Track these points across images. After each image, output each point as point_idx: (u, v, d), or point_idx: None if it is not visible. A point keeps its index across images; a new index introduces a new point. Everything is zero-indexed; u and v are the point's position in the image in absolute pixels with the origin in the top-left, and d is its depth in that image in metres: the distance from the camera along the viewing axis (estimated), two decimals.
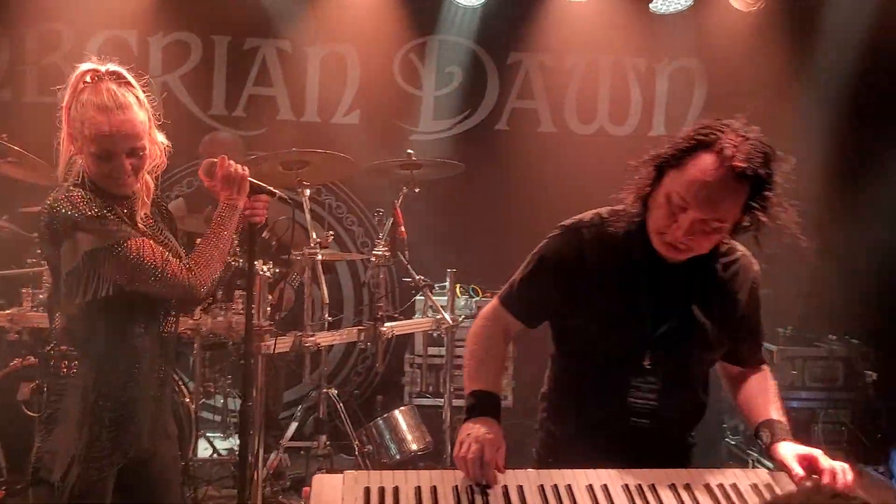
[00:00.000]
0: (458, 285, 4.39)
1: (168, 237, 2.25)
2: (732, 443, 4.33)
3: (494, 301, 2.07)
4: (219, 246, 2.21)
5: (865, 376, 4.07)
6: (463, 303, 4.56)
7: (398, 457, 3.89)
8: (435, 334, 4.06)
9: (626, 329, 1.91)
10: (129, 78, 2.10)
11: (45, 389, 2.12)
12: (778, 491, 1.78)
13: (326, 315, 3.71)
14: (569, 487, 1.76)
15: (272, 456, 3.86)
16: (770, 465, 2.10)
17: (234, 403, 4.41)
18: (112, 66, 2.07)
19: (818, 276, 4.82)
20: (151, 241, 2.11)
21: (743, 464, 4.09)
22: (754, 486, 1.80)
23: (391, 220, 3.63)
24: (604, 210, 1.96)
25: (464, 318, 4.06)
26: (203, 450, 4.28)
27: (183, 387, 3.56)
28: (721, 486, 1.79)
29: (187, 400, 3.47)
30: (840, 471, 1.77)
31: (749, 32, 5.05)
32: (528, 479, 1.79)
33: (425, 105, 5.27)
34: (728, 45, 5.10)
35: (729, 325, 1.96)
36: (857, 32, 4.73)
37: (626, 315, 1.91)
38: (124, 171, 2.05)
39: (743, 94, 5.06)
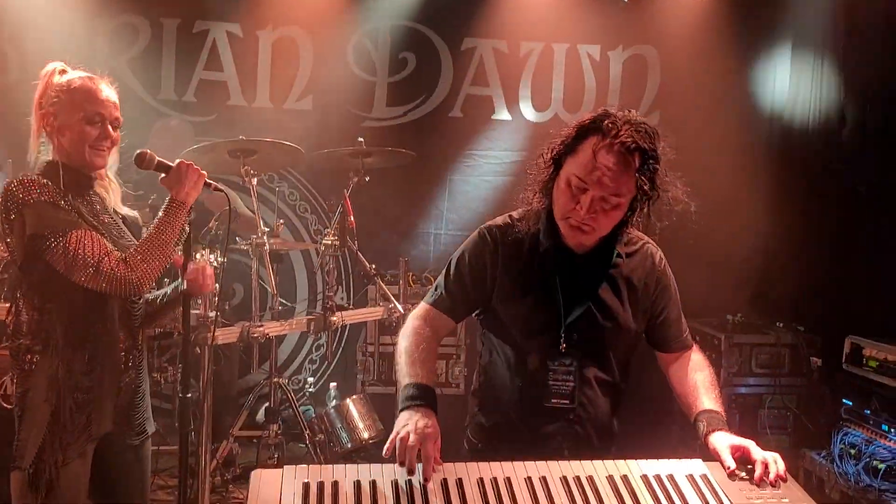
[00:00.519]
0: (410, 273, 4.38)
1: (125, 236, 2.29)
2: None
3: (421, 303, 2.19)
4: (162, 241, 2.21)
5: (811, 362, 4.15)
6: (414, 291, 4.54)
7: (350, 445, 3.88)
8: (387, 323, 4.05)
9: (542, 316, 2.06)
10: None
11: (15, 381, 2.19)
12: (713, 481, 1.80)
13: (277, 305, 3.68)
14: (507, 480, 1.77)
15: (222, 445, 3.83)
16: None
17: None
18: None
19: (768, 265, 4.92)
20: (96, 236, 2.13)
21: None
22: (690, 477, 1.82)
23: (340, 209, 3.58)
24: (514, 213, 2.14)
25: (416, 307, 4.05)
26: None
27: None
28: (658, 476, 1.81)
29: None
30: (772, 461, 1.81)
31: (703, 20, 5.09)
32: (467, 472, 1.79)
33: (379, 91, 5.22)
34: (682, 33, 5.13)
35: (638, 308, 2.11)
36: (809, 19, 4.79)
37: (540, 303, 2.06)
38: (109, 137, 2.20)
39: (696, 81, 5.11)
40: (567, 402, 2.06)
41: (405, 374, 1.96)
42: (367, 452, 4.03)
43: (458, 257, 2.15)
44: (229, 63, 5.04)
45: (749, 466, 1.83)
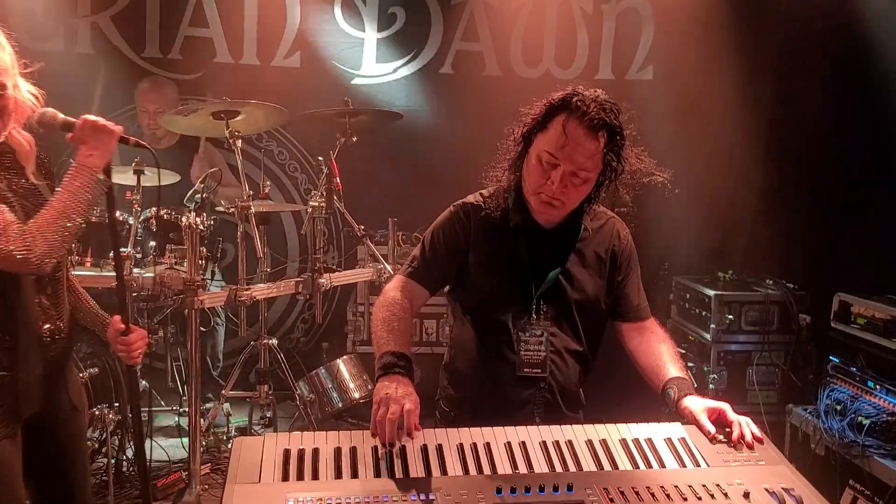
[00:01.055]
0: (400, 234, 4.36)
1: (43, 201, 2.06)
2: None
3: (399, 275, 2.22)
4: (62, 212, 1.96)
5: (799, 319, 4.16)
6: (405, 251, 4.52)
7: (340, 405, 3.92)
8: (377, 283, 4.04)
9: (512, 288, 2.12)
10: None
11: None
12: (691, 444, 1.82)
13: (266, 267, 3.68)
14: (487, 445, 1.78)
15: (214, 406, 3.86)
16: None
17: (181, 352, 4.37)
18: None
19: (760, 221, 4.90)
20: None
21: None
22: (668, 440, 1.83)
23: (326, 170, 3.55)
24: (484, 191, 2.20)
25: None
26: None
27: None
28: (636, 440, 1.83)
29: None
30: (745, 424, 1.84)
31: None
32: (447, 437, 1.80)
33: (367, 48, 5.13)
34: None
35: (604, 279, 2.18)
36: None
37: (511, 276, 2.12)
38: None
39: (690, 35, 5.03)
40: (538, 371, 2.12)
41: (382, 342, 1.98)
42: (357, 412, 4.07)
43: (431, 231, 2.21)
44: (215, 19, 4.94)
45: (726, 430, 1.85)
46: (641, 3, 5.21)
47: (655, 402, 2.11)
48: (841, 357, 3.55)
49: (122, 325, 2.18)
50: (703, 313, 4.30)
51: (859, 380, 3.39)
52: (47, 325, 2.10)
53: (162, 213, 3.29)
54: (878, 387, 3.28)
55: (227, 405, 3.96)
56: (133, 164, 3.35)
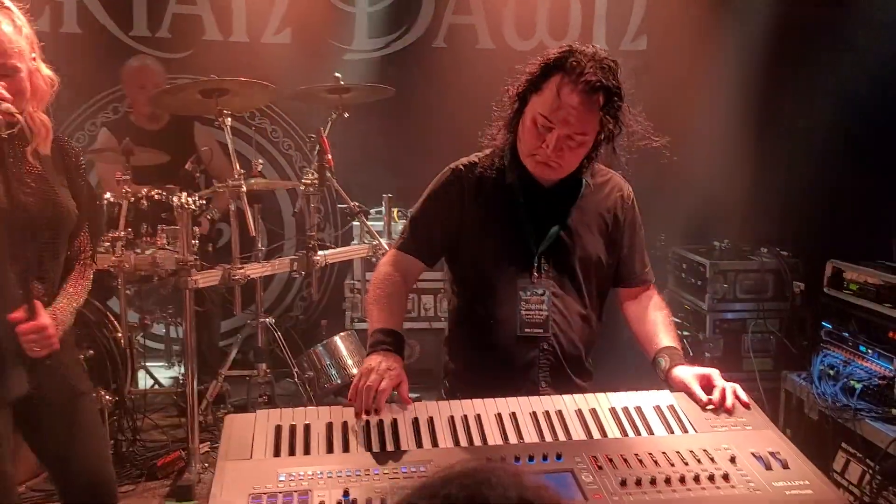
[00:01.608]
0: (396, 209, 4.36)
1: (51, 185, 2.07)
2: None
3: (392, 249, 2.18)
4: None
5: (794, 286, 4.17)
6: (401, 227, 4.52)
7: (339, 381, 3.93)
8: (373, 260, 4.05)
9: (512, 247, 2.07)
10: (7, 2, 1.99)
11: None
12: (679, 411, 1.83)
13: (260, 246, 3.68)
14: (478, 417, 1.79)
15: (212, 385, 3.89)
16: None
17: (177, 332, 4.40)
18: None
19: (756, 190, 4.90)
20: None
21: None
22: (657, 408, 1.85)
23: (318, 147, 3.54)
24: (480, 153, 2.14)
25: None
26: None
27: (115, 322, 3.52)
28: (626, 408, 1.84)
29: (119, 335, 3.43)
30: (730, 389, 1.85)
31: None
32: (438, 410, 1.81)
33: (359, 22, 5.09)
34: None
35: (607, 238, 2.13)
36: None
37: (510, 235, 2.07)
38: None
39: (683, 3, 4.98)
40: (540, 330, 2.06)
41: (374, 320, 1.98)
42: None
43: (424, 198, 2.15)
44: None
45: (711, 397, 1.86)
46: None
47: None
48: (834, 323, 3.56)
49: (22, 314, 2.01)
50: (699, 282, 4.32)
51: (852, 345, 3.41)
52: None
53: (153, 193, 3.28)
54: (870, 351, 3.30)
55: (225, 383, 3.98)
56: (122, 145, 3.34)
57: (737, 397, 1.84)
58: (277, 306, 5.28)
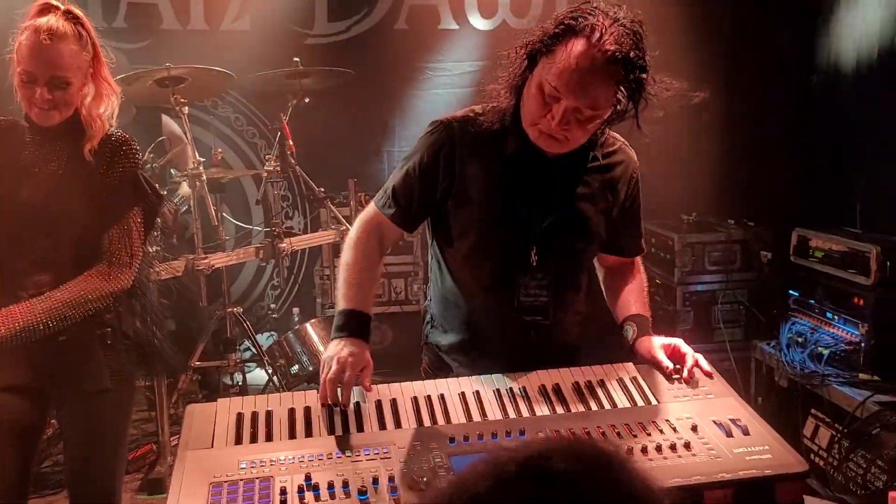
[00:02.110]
0: (363, 194, 4.33)
1: (43, 190, 2.06)
2: None
3: (370, 206, 1.97)
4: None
5: (761, 256, 4.21)
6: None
7: (311, 368, 3.92)
8: (341, 246, 4.01)
9: (510, 225, 1.86)
10: (80, 14, 2.06)
11: None
12: (642, 382, 1.83)
13: (223, 235, 3.64)
14: (441, 397, 1.78)
15: (181, 378, 3.84)
16: None
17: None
18: (68, 4, 2.05)
19: (723, 161, 4.91)
20: None
21: None
22: (620, 381, 1.85)
23: (279, 133, 3.49)
24: (477, 107, 1.88)
25: None
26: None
27: None
28: (589, 382, 1.84)
29: None
30: (691, 357, 1.84)
31: None
32: (401, 391, 1.80)
33: (319, 6, 5.03)
34: None
35: (611, 214, 1.94)
36: None
37: (508, 211, 1.85)
38: (43, 99, 2.00)
39: None
40: (540, 318, 1.91)
41: (341, 297, 1.88)
42: None
43: (408, 156, 1.92)
44: None
45: (678, 367, 1.86)
46: None
47: None
48: (801, 291, 3.60)
49: None
50: (668, 256, 4.34)
51: (819, 312, 3.45)
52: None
53: None
54: (836, 317, 3.34)
55: (196, 375, 3.94)
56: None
57: (699, 367, 1.84)
58: (248, 296, 5.24)
